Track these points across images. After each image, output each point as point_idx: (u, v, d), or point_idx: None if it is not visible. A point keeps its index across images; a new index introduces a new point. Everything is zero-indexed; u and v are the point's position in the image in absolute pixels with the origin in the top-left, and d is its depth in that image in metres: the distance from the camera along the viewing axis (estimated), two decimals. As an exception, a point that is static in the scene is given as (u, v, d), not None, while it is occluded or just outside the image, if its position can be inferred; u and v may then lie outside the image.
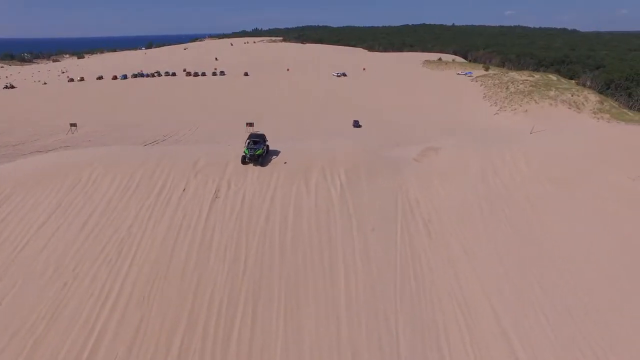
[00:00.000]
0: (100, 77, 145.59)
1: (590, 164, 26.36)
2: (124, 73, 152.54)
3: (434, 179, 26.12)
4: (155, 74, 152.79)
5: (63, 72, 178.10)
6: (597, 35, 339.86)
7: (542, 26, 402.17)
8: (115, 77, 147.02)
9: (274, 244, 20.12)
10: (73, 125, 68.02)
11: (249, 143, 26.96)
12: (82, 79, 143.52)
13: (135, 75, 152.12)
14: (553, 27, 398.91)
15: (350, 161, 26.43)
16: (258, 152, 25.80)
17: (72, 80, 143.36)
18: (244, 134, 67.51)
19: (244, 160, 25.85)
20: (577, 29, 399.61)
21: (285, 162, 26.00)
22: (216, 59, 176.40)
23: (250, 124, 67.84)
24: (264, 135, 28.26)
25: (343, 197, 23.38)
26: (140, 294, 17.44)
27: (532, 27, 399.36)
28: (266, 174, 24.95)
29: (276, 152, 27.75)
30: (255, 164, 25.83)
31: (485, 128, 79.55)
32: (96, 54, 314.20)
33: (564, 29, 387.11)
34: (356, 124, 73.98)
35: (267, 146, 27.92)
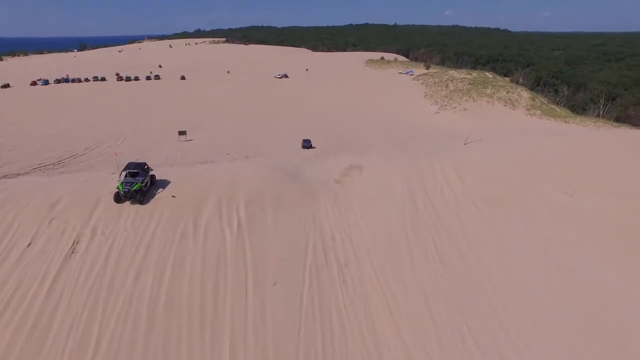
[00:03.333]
0: (5, 85, 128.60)
1: (526, 179, 23.75)
2: (45, 78, 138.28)
3: (354, 206, 22.28)
4: (83, 79, 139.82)
5: None
6: (526, 35, 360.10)
7: (479, 26, 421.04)
8: (34, 83, 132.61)
9: (140, 314, 15.31)
10: None
11: (125, 175, 21.65)
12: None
13: (58, 81, 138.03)
14: (488, 26, 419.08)
15: (254, 189, 21.91)
16: (135, 186, 20.52)
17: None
18: (176, 144, 62.49)
19: (117, 198, 20.60)
20: (509, 29, 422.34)
21: (173, 196, 21.05)
22: (160, 66, 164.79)
23: (183, 133, 63.34)
24: (145, 164, 22.93)
25: (239, 240, 18.84)
26: None
27: (470, 26, 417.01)
28: (145, 214, 19.78)
29: (165, 183, 22.62)
30: (132, 202, 20.64)
31: (426, 128, 78.60)
32: (18, 56, 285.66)
33: (497, 29, 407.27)
34: (307, 144, 55.04)
35: (152, 177, 22.80)
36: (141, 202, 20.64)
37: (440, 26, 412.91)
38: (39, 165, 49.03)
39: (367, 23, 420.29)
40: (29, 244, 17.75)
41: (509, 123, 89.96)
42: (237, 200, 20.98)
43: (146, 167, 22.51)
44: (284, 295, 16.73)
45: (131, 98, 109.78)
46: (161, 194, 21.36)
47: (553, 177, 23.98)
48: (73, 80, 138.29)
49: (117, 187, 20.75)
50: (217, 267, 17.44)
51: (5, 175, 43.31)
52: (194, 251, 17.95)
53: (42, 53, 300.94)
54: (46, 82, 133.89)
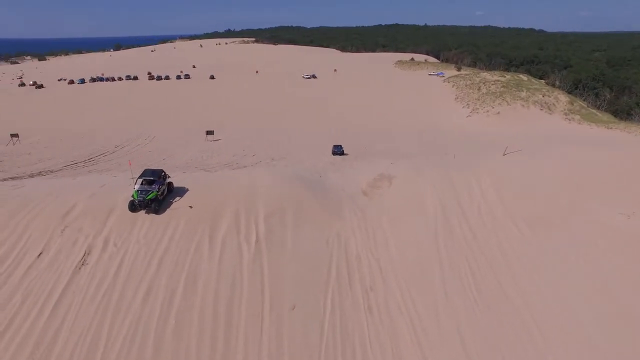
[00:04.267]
0: (40, 86, 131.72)
1: (574, 197, 21.32)
2: (82, 77, 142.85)
3: (383, 223, 20.51)
4: (116, 78, 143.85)
5: (19, 78, 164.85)
6: (563, 35, 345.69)
7: (511, 26, 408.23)
8: (72, 82, 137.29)
9: (148, 337, 14.15)
10: (14, 135, 61.17)
11: (141, 182, 20.57)
12: (34, 84, 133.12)
13: (93, 80, 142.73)
14: (521, 27, 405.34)
15: (274, 201, 20.52)
16: (150, 195, 19.48)
17: (23, 85, 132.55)
18: (203, 144, 62.60)
19: (132, 207, 19.61)
20: (544, 30, 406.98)
21: (190, 207, 19.98)
22: (194, 66, 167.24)
23: (210, 132, 63.94)
24: (162, 171, 21.77)
25: (257, 257, 17.48)
26: None
27: (502, 27, 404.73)
28: (160, 225, 18.72)
29: (182, 191, 21.55)
30: (147, 212, 19.62)
31: (457, 132, 75.71)
32: (60, 55, 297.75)
33: (532, 29, 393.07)
34: (337, 151, 49.79)
35: (169, 184, 21.73)
36: (156, 212, 19.62)
37: (471, 27, 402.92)
38: (71, 163, 49.93)
39: (396, 23, 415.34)
40: (40, 254, 16.99)
41: (545, 128, 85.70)
42: (256, 212, 19.66)
43: (163, 174, 21.47)
44: (302, 321, 15.22)
45: (161, 97, 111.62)
46: (178, 203, 20.29)
47: (605, 195, 21.43)
48: (107, 79, 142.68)
49: (132, 195, 19.82)
50: (232, 287, 16.13)
51: (40, 172, 44.16)
52: (208, 268, 16.73)
53: (81, 52, 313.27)
54: (82, 81, 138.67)
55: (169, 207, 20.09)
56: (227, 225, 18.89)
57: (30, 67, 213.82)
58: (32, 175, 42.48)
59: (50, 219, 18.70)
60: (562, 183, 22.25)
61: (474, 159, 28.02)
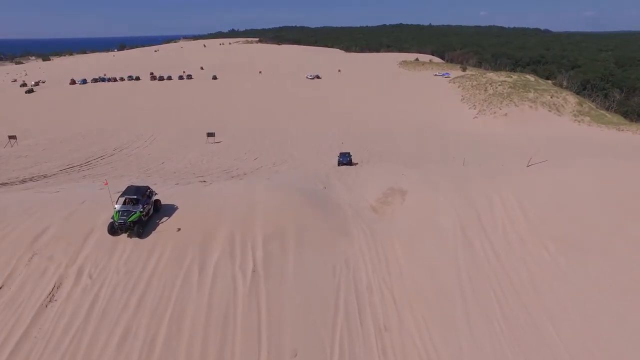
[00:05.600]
0: (28, 90, 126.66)
1: (611, 217, 18.78)
2: (84, 77, 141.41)
3: (395, 246, 18.10)
4: (118, 79, 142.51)
5: (23, 77, 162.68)
6: (568, 35, 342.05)
7: (516, 26, 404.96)
8: (73, 82, 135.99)
9: (123, 395, 11.99)
10: (12, 137, 60.25)
11: (123, 202, 18.13)
12: (37, 84, 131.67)
13: (95, 80, 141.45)
14: (526, 27, 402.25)
15: (273, 222, 18.15)
16: (133, 217, 17.11)
17: (25, 85, 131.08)
18: (203, 146, 60.82)
19: (112, 230, 17.22)
20: (549, 29, 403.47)
21: (178, 229, 17.65)
22: (202, 68, 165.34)
23: (212, 134, 63.29)
24: (148, 188, 19.17)
25: (254, 290, 15.06)
26: None
27: (507, 27, 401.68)
28: (143, 251, 16.34)
29: (171, 209, 19.14)
30: (130, 235, 17.27)
31: (465, 134, 73.44)
32: (64, 55, 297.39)
33: (537, 29, 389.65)
34: (344, 160, 43.34)
35: (156, 202, 19.30)
36: (140, 236, 17.21)
37: (476, 26, 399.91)
38: (67, 166, 48.45)
39: (400, 23, 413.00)
40: (0, 288, 14.72)
41: (555, 130, 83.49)
42: (254, 235, 17.27)
43: (148, 191, 18.95)
44: (306, 370, 12.93)
45: (163, 97, 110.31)
46: (165, 224, 17.87)
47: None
48: (109, 80, 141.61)
49: (113, 216, 17.43)
50: (224, 327, 13.76)
51: (33, 178, 42.37)
52: (197, 303, 14.34)
53: (85, 53, 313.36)
54: (84, 82, 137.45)
55: (154, 229, 17.69)
56: (219, 251, 16.51)
57: (33, 67, 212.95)
58: (23, 181, 40.74)
59: (17, 244, 16.32)
60: (599, 200, 19.73)
61: (494, 170, 25.58)
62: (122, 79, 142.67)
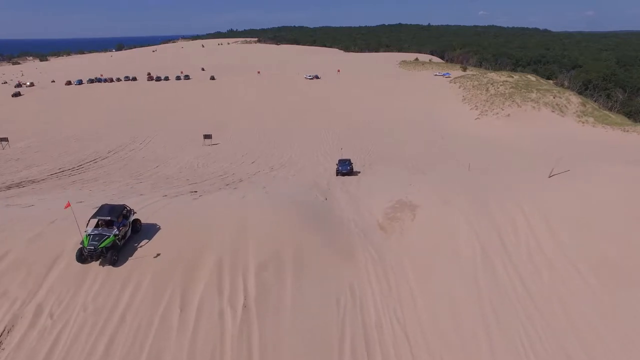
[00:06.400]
0: (14, 94, 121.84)
1: None
2: (79, 78, 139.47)
3: (407, 271, 15.85)
4: (115, 79, 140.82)
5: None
6: (568, 35, 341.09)
7: (515, 26, 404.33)
8: (69, 83, 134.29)
9: None
10: (3, 139, 58.76)
11: (95, 224, 15.80)
12: (19, 85, 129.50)
13: (92, 81, 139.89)
14: (526, 27, 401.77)
15: (270, 244, 15.91)
16: (105, 242, 14.74)
17: (19, 86, 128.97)
18: (199, 148, 58.84)
19: (80, 257, 14.81)
20: (549, 29, 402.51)
21: (157, 255, 15.27)
22: (203, 69, 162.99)
23: (208, 136, 61.92)
24: (124, 207, 16.65)
25: (245, 330, 12.70)
26: None
27: (507, 26, 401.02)
28: (116, 283, 14.00)
29: (152, 229, 16.82)
30: (102, 263, 14.93)
31: (468, 136, 71.59)
32: (62, 56, 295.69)
33: (537, 29, 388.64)
34: (344, 169, 38.83)
35: (134, 222, 16.90)
36: (114, 263, 14.85)
37: (475, 26, 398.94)
38: (58, 171, 46.67)
39: (400, 23, 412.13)
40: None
41: (559, 131, 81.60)
42: (246, 261, 14.94)
43: (125, 211, 16.51)
44: None
45: (160, 98, 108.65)
46: (144, 249, 15.47)
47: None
48: (105, 80, 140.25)
49: (82, 241, 15.03)
50: (208, 379, 11.64)
51: (20, 183, 40.45)
52: (176, 348, 12.02)
53: (83, 53, 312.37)
54: (80, 82, 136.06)
55: (131, 255, 15.32)
56: (205, 281, 14.18)
57: (30, 68, 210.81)
58: (9, 187, 38.78)
59: (-31, 274, 14.10)
60: (635, 214, 17.50)
61: (509, 179, 23.44)
62: (118, 80, 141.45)
